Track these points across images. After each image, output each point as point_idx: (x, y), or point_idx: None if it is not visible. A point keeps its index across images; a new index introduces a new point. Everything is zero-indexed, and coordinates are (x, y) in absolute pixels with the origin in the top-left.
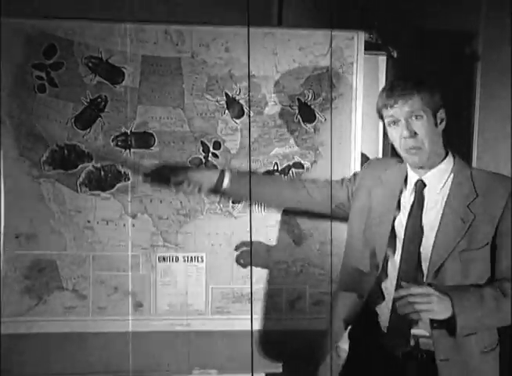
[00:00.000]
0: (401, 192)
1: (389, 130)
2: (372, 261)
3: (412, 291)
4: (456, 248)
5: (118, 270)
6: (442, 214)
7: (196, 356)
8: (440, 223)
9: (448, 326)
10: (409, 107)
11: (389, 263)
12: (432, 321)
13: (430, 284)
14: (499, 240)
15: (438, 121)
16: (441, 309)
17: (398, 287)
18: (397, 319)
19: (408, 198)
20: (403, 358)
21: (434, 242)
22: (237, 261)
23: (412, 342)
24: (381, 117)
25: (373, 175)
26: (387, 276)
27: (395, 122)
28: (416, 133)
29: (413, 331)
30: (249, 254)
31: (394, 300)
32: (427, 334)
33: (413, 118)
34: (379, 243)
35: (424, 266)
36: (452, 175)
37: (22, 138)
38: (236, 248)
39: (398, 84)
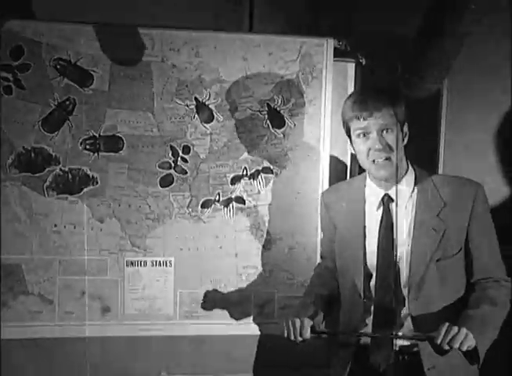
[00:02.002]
0: (364, 208)
1: (357, 141)
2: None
3: (451, 328)
4: (433, 258)
5: (85, 274)
6: (414, 226)
7: (164, 360)
8: (413, 236)
9: (465, 354)
10: (383, 120)
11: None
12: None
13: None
14: (471, 244)
15: (403, 135)
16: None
17: (376, 303)
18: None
19: (375, 214)
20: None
21: (411, 255)
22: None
23: (394, 356)
24: (348, 128)
25: (336, 203)
26: (370, 292)
27: (365, 134)
28: (388, 146)
29: (396, 343)
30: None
31: (433, 338)
32: (411, 344)
33: (384, 131)
34: (355, 267)
35: (403, 281)
36: (416, 187)
37: None
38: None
39: (372, 96)
